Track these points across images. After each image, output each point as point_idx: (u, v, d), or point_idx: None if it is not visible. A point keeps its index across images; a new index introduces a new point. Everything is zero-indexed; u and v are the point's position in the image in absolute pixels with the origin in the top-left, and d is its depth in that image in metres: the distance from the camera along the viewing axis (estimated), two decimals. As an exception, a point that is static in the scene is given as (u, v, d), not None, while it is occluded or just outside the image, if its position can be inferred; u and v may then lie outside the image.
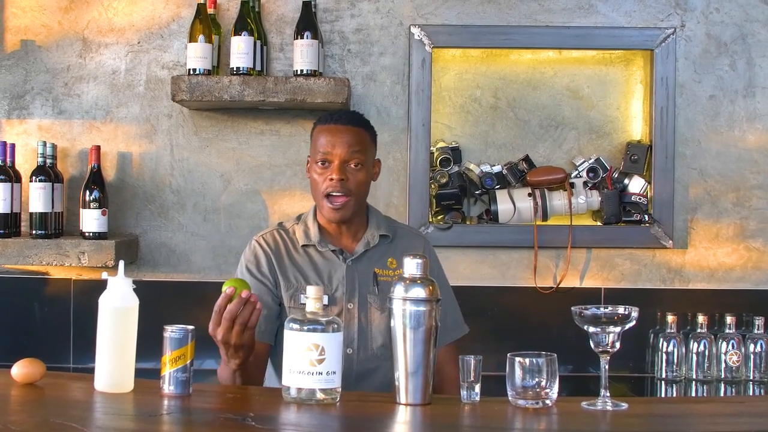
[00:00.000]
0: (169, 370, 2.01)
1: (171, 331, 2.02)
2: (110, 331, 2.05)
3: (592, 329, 2.01)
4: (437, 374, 2.51)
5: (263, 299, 2.51)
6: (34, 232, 3.32)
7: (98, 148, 3.40)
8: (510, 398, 1.98)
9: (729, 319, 3.36)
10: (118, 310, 2.05)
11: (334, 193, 2.49)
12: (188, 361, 2.02)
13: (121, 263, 2.10)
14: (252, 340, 2.22)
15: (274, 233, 2.61)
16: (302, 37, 3.34)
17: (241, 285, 2.19)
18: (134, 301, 2.07)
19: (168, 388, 2.01)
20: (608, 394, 2.00)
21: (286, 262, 2.56)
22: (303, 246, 2.57)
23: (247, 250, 2.60)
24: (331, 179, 2.49)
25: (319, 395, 1.98)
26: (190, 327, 2.03)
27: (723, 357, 3.35)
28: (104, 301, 2.06)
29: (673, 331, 3.36)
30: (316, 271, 2.55)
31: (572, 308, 2.03)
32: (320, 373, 1.97)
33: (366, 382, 2.50)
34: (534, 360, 1.96)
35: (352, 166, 2.51)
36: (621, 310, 2.01)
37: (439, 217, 3.54)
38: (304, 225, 2.60)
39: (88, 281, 3.48)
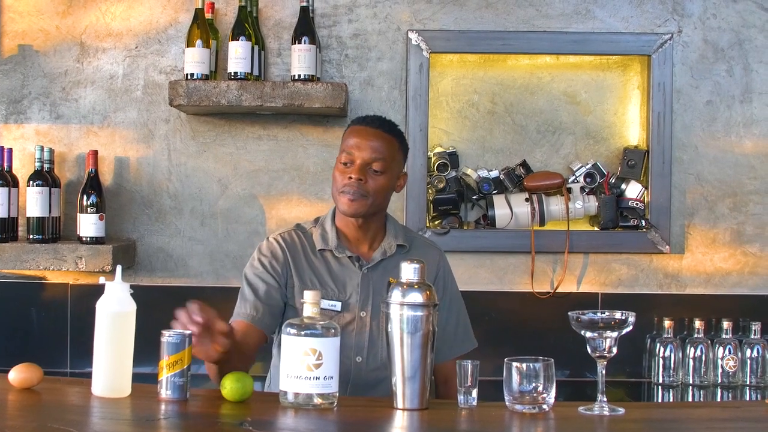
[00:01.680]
0: (166, 374, 2.01)
1: (168, 336, 2.02)
2: (108, 335, 2.05)
3: (589, 334, 2.01)
4: (445, 386, 2.54)
5: (271, 294, 2.49)
6: (31, 236, 3.31)
7: (96, 152, 3.40)
8: (507, 403, 1.99)
9: (726, 324, 3.36)
10: (115, 314, 2.05)
11: (349, 192, 2.47)
12: (185, 366, 2.02)
13: (119, 268, 2.10)
14: (211, 353, 2.12)
15: (292, 233, 2.59)
16: (300, 42, 3.34)
17: (235, 389, 2.04)
18: (131, 306, 2.07)
19: (165, 392, 2.01)
20: (605, 399, 2.00)
21: (303, 264, 2.54)
22: (320, 250, 2.55)
23: (263, 245, 2.57)
24: (350, 178, 2.48)
25: (317, 400, 1.98)
26: (188, 332, 2.03)
27: (720, 362, 3.35)
28: (102, 306, 2.06)
29: (669, 336, 3.37)
30: (331, 277, 2.53)
31: (569, 313, 2.03)
32: (317, 378, 1.98)
33: (374, 391, 2.47)
34: (531, 365, 1.96)
35: (374, 169, 2.49)
36: (618, 315, 2.02)
37: (436, 222, 3.54)
38: (321, 228, 2.58)
39: (86, 286, 3.47)
